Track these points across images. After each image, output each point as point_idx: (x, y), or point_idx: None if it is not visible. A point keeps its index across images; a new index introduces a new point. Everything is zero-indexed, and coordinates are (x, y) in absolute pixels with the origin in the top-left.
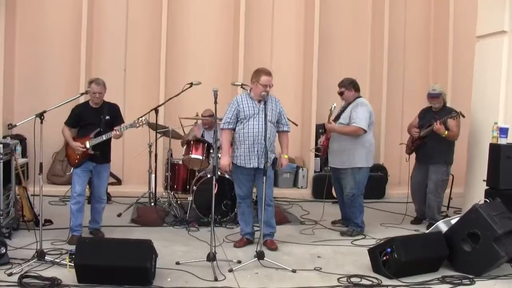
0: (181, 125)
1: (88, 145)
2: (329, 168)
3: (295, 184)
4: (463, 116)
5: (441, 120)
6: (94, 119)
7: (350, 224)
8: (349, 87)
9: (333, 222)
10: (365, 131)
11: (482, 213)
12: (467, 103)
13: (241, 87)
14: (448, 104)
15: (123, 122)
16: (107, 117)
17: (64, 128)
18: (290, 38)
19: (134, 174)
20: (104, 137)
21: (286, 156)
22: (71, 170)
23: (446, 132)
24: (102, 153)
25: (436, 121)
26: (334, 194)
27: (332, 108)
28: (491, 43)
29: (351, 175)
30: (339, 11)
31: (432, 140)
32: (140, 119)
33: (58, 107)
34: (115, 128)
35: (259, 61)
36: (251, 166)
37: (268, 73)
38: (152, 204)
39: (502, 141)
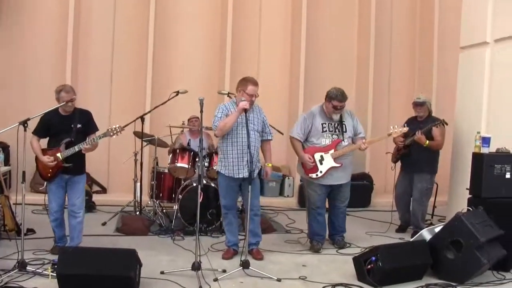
0: (170, 133)
1: (60, 157)
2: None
3: (281, 193)
4: (446, 124)
5: (423, 130)
6: (65, 127)
7: (341, 235)
8: (347, 100)
9: (315, 249)
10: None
11: (465, 222)
12: (451, 112)
13: (228, 95)
14: (433, 114)
15: (96, 129)
16: (79, 125)
17: (32, 139)
18: (277, 47)
19: (119, 183)
20: (76, 148)
21: (270, 165)
22: (45, 185)
23: (427, 142)
24: (76, 164)
25: (419, 130)
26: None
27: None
28: (474, 54)
29: (349, 186)
30: (326, 20)
31: (417, 149)
32: (114, 127)
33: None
34: (85, 142)
35: (245, 70)
36: (241, 176)
37: (255, 83)
38: (137, 213)
39: (485, 150)
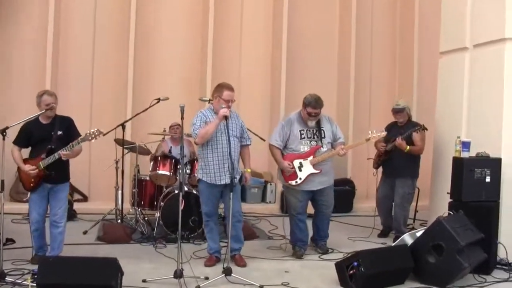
0: (145, 146)
1: (41, 166)
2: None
3: (263, 199)
4: (426, 129)
5: (403, 135)
6: (45, 135)
7: (324, 240)
8: (323, 106)
9: (297, 255)
10: None
11: (446, 226)
12: (432, 117)
13: (209, 102)
14: (414, 119)
15: (79, 135)
16: (59, 132)
17: (13, 149)
18: (258, 53)
19: (100, 191)
20: (56, 156)
21: (249, 170)
22: (28, 195)
23: (408, 147)
24: (58, 173)
25: (400, 135)
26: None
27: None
28: (453, 59)
29: (332, 190)
30: (307, 28)
31: (398, 154)
32: (92, 131)
33: (22, 123)
34: (64, 148)
35: (227, 77)
36: (222, 182)
37: (231, 88)
38: (119, 221)
39: (465, 154)
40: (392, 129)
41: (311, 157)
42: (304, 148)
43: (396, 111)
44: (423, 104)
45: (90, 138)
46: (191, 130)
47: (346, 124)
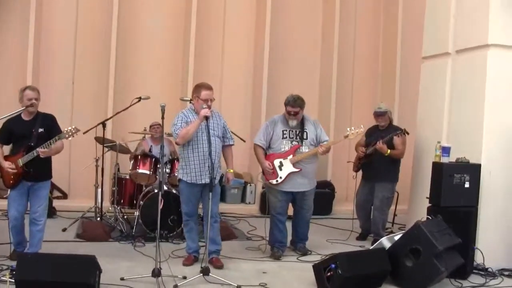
0: (126, 145)
1: (20, 163)
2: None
3: (242, 199)
4: (407, 133)
5: (384, 139)
6: (26, 132)
7: (303, 243)
8: (303, 106)
9: (275, 256)
10: None
11: (424, 230)
12: (413, 122)
13: (190, 102)
14: (395, 123)
15: (59, 132)
16: (40, 130)
17: None
18: (240, 54)
19: (80, 188)
20: (34, 153)
21: (231, 171)
22: (8, 192)
23: (389, 151)
24: (38, 170)
25: (381, 139)
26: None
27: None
28: (436, 64)
29: (313, 194)
30: (289, 29)
31: (378, 158)
32: (69, 128)
33: (3, 119)
34: (42, 145)
35: (208, 78)
36: (203, 182)
37: (208, 87)
38: (98, 219)
39: (445, 159)
40: (373, 133)
41: (290, 156)
42: (285, 147)
43: (378, 114)
44: (405, 108)
45: (67, 136)
46: (172, 130)
47: (327, 126)
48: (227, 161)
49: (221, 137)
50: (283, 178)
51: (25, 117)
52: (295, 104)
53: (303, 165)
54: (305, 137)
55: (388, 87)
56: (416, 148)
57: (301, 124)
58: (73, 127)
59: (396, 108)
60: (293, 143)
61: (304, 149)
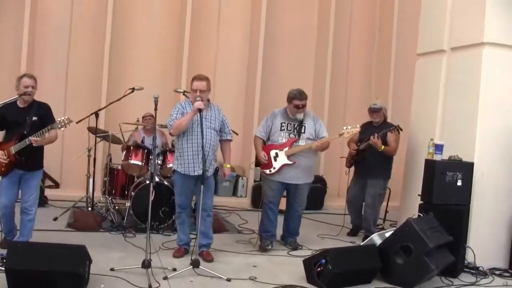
0: (121, 131)
1: (12, 151)
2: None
3: (234, 193)
4: (401, 130)
5: (379, 134)
6: (20, 120)
7: (294, 238)
8: (307, 99)
9: (263, 249)
10: None
11: (415, 227)
12: (407, 119)
13: (184, 94)
14: (389, 120)
15: (54, 122)
16: (34, 118)
17: None
18: (235, 46)
19: (72, 178)
20: (27, 141)
21: (228, 166)
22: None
23: (383, 147)
24: (30, 159)
25: (376, 134)
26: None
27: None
28: (430, 62)
29: (308, 190)
30: (284, 24)
31: (371, 154)
32: (62, 118)
33: None
34: (35, 134)
35: (203, 68)
36: (196, 173)
37: (199, 78)
38: (89, 209)
39: (437, 157)
40: (367, 129)
41: (286, 148)
42: (282, 140)
43: (373, 110)
44: (399, 105)
45: (59, 126)
46: (167, 121)
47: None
48: (224, 156)
49: (217, 130)
50: (276, 169)
51: (20, 104)
52: (302, 97)
53: (298, 158)
54: (303, 131)
55: (382, 84)
56: (409, 145)
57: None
58: (66, 117)
59: (390, 105)
60: (290, 136)
61: (301, 142)
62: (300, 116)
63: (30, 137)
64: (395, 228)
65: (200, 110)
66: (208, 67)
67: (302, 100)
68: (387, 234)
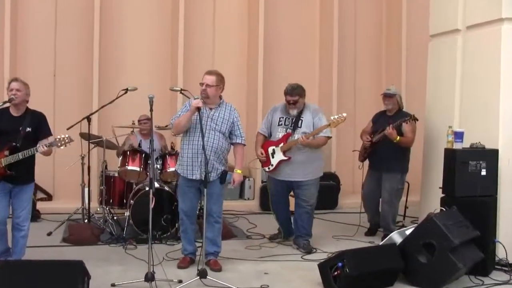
0: (114, 135)
1: (2, 163)
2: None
3: (241, 195)
4: (416, 120)
5: (394, 124)
6: (12, 129)
7: (306, 239)
8: (303, 94)
9: (271, 238)
10: (330, 138)
11: (438, 223)
12: (422, 106)
13: (181, 92)
14: (404, 101)
15: (49, 134)
16: (28, 129)
17: None
18: (233, 42)
19: (65, 189)
20: (20, 156)
21: (239, 171)
22: None
23: (398, 138)
24: (20, 173)
25: (391, 124)
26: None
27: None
28: (444, 42)
29: (315, 186)
30: (286, 12)
31: (386, 146)
32: (62, 136)
33: None
34: (25, 152)
35: (200, 65)
36: (194, 177)
37: (209, 72)
38: (86, 221)
39: (458, 145)
40: (380, 119)
41: (282, 144)
42: (279, 135)
43: (386, 96)
44: (413, 92)
45: (59, 144)
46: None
47: (329, 113)
48: (235, 160)
49: (225, 132)
50: (274, 166)
51: (13, 113)
52: (293, 92)
53: (294, 153)
54: (299, 125)
55: (393, 70)
56: (426, 134)
57: (300, 112)
58: (67, 136)
59: (403, 93)
60: (287, 131)
61: (296, 137)
62: (292, 112)
63: (26, 152)
64: (416, 224)
65: (198, 109)
66: (205, 63)
67: (293, 96)
68: (408, 232)
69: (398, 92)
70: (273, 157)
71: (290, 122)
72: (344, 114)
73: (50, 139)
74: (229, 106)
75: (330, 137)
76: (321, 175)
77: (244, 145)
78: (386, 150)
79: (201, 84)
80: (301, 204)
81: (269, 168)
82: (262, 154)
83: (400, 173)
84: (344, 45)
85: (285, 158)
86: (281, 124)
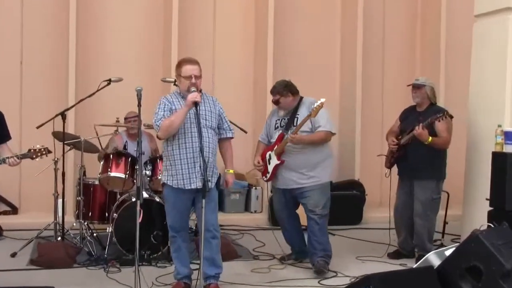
0: (97, 135)
1: None
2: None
3: (246, 207)
4: (451, 117)
5: (424, 123)
6: None
7: (322, 256)
8: (283, 92)
9: (282, 259)
10: (333, 134)
11: (485, 242)
12: (464, 101)
13: (175, 84)
14: (442, 101)
15: (8, 138)
16: None
17: None
18: (237, 23)
19: (34, 200)
20: None
21: (232, 171)
22: None
23: (430, 139)
24: None
25: (420, 123)
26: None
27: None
28: (493, 24)
29: (321, 193)
30: None
31: (417, 149)
32: (38, 147)
33: None
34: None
35: (197, 52)
36: (193, 187)
37: (191, 61)
38: (59, 238)
39: (508, 148)
40: (409, 116)
41: (276, 147)
42: (275, 137)
43: (414, 86)
44: (453, 84)
45: (33, 156)
46: (153, 121)
47: (352, 110)
48: (226, 159)
49: (215, 128)
50: (270, 173)
51: None
52: (273, 91)
53: (288, 156)
54: (295, 123)
55: (430, 59)
56: (470, 135)
57: (295, 109)
58: (44, 147)
59: (442, 86)
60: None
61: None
62: (280, 112)
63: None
64: (457, 243)
65: (196, 104)
66: (204, 48)
67: (274, 95)
68: (448, 252)
69: (428, 83)
70: (269, 163)
71: (284, 123)
72: (322, 100)
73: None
74: (210, 97)
75: (333, 133)
76: (328, 180)
77: (232, 138)
78: (417, 153)
79: (187, 77)
80: (308, 215)
81: (266, 177)
82: (258, 163)
83: (435, 180)
84: (371, 29)
85: (278, 162)
86: (277, 127)
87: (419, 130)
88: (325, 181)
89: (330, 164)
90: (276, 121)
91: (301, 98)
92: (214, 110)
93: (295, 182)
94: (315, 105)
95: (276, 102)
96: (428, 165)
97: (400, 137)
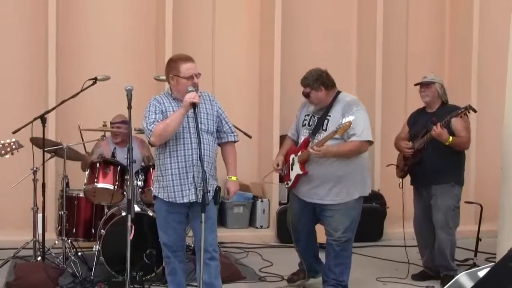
0: (82, 140)
1: None
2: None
3: (251, 222)
4: (474, 111)
5: (443, 121)
6: None
7: (329, 282)
8: (316, 86)
9: (290, 280)
10: (371, 143)
11: None
12: (498, 99)
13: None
14: (474, 102)
15: None
16: None
17: None
18: (240, 14)
19: (10, 215)
20: None
21: (234, 178)
22: None
23: (451, 138)
24: None
25: (435, 124)
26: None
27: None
28: None
29: (345, 213)
30: None
31: (434, 152)
32: (7, 141)
33: None
34: None
35: (194, 49)
36: (186, 200)
37: (188, 59)
38: (39, 258)
39: None
40: (420, 118)
41: (300, 153)
42: (302, 139)
43: (422, 85)
44: (486, 82)
45: (2, 152)
46: (143, 125)
47: (371, 112)
48: (228, 164)
49: (213, 132)
50: (292, 181)
51: None
52: (303, 82)
53: (313, 166)
54: (324, 126)
55: (460, 55)
56: (505, 140)
57: (328, 108)
58: (14, 140)
59: (474, 84)
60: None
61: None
62: (310, 108)
63: None
64: (492, 263)
65: (194, 105)
66: (202, 43)
67: (305, 87)
68: (481, 273)
69: (437, 80)
70: (292, 169)
71: (313, 122)
72: (351, 118)
73: None
74: (207, 95)
75: (371, 142)
76: (358, 195)
77: (236, 141)
78: (435, 156)
79: (189, 77)
80: (327, 238)
81: (287, 184)
82: (278, 165)
83: (456, 185)
84: (393, 22)
85: (301, 172)
86: (305, 125)
87: (438, 129)
88: (353, 198)
89: (363, 176)
90: (305, 116)
91: (338, 93)
92: (212, 111)
93: (318, 196)
94: (342, 123)
95: (306, 95)
96: (448, 168)
97: (412, 142)
